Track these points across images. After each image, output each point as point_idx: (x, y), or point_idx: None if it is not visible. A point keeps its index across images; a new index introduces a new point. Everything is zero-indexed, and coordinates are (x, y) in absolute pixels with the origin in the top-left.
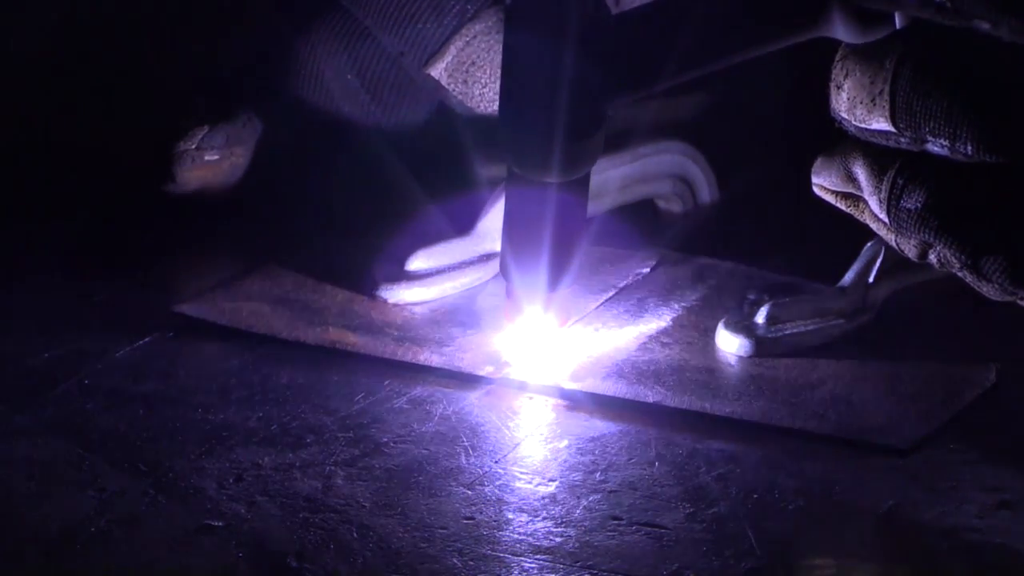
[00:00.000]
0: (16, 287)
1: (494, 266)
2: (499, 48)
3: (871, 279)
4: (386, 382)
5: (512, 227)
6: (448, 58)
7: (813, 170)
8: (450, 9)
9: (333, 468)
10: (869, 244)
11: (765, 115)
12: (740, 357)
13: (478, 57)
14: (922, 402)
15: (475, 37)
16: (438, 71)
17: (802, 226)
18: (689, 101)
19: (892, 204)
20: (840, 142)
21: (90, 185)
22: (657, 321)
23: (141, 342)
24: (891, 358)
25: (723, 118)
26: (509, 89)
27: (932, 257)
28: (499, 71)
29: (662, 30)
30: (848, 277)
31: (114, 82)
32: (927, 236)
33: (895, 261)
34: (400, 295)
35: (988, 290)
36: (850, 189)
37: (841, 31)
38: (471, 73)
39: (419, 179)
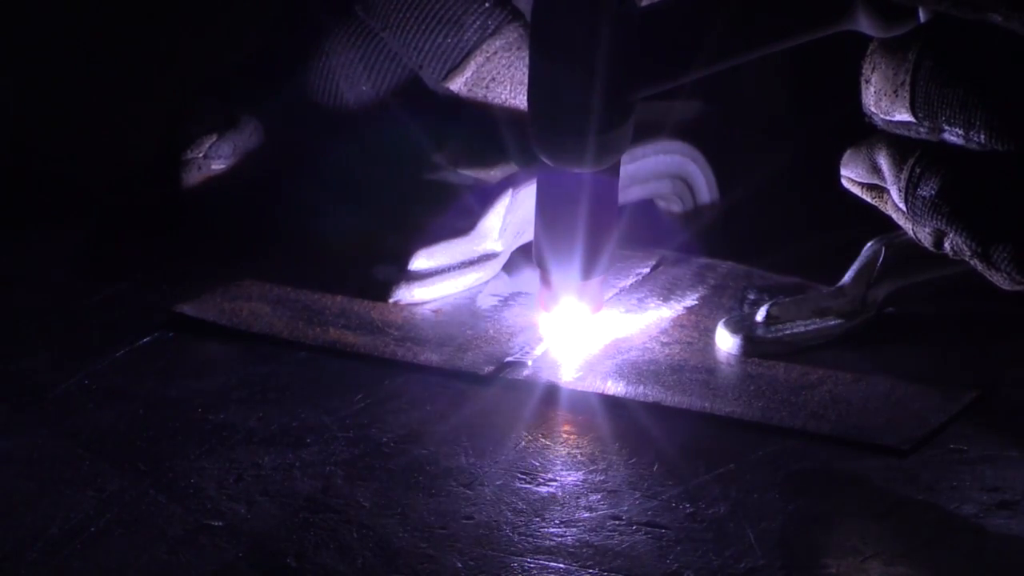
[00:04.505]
0: (16, 287)
1: (495, 266)
2: (519, 65)
3: (871, 279)
4: (386, 382)
5: (545, 217)
6: (468, 73)
7: (841, 162)
8: (470, 24)
9: (333, 468)
10: (869, 244)
11: (765, 115)
12: (739, 357)
13: (498, 74)
14: (921, 402)
15: (495, 53)
16: (457, 85)
17: (802, 226)
18: (687, 106)
19: (909, 192)
20: (869, 135)
21: (92, 187)
22: (657, 321)
23: (141, 342)
24: (891, 358)
25: (723, 118)
26: (537, 81)
27: (946, 245)
28: (519, 88)
29: (687, 23)
30: (848, 277)
31: (119, 83)
32: (939, 223)
33: (895, 261)
34: (400, 295)
35: (998, 279)
36: (875, 180)
37: (865, 24)
38: (491, 89)
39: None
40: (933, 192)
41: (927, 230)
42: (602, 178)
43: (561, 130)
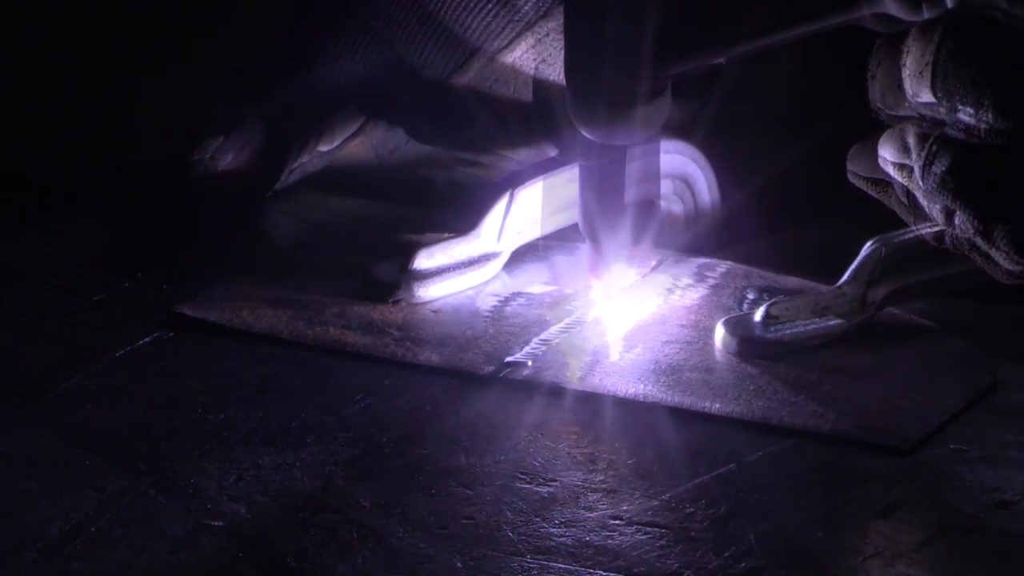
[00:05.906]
0: (17, 286)
1: (495, 266)
2: (522, 71)
3: (871, 279)
4: (386, 382)
5: (590, 190)
6: (470, 74)
7: (848, 157)
8: (474, 28)
9: (333, 468)
10: (869, 244)
11: (767, 114)
12: (739, 357)
13: (502, 74)
14: (922, 402)
15: (494, 57)
16: (460, 84)
17: (802, 226)
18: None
19: (926, 169)
20: (874, 131)
21: (94, 187)
22: (657, 321)
23: (141, 342)
24: (891, 358)
25: (725, 118)
26: (574, 59)
27: (956, 221)
28: (523, 88)
29: (718, 3)
30: (848, 277)
31: (124, 83)
32: (946, 199)
33: (895, 261)
34: (401, 295)
35: (998, 258)
36: (879, 175)
37: (892, 7)
38: (494, 90)
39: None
40: (943, 168)
41: (938, 207)
42: (644, 148)
43: (599, 103)
